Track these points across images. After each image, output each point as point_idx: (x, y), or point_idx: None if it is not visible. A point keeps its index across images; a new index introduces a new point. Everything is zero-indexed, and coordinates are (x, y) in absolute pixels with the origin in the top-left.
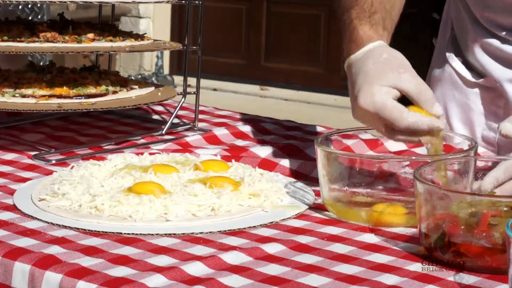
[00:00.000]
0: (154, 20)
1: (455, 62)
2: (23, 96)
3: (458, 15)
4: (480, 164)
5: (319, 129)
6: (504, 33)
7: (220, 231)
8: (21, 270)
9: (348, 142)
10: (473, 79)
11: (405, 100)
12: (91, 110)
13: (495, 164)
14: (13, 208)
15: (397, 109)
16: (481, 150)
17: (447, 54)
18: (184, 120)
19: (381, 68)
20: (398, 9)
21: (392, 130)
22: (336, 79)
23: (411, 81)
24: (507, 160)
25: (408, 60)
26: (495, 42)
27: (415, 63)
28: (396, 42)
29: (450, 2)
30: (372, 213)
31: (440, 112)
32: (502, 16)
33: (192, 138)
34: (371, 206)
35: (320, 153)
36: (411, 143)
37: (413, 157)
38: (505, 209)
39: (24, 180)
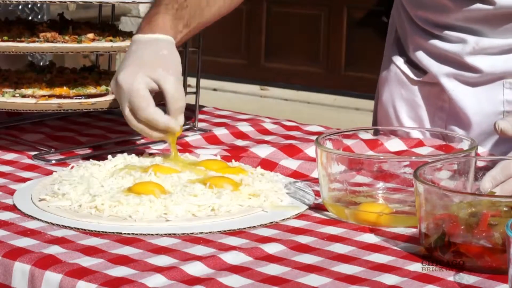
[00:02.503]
0: None
1: (399, 61)
2: (23, 96)
3: (399, 17)
4: (480, 164)
5: (319, 129)
6: (437, 30)
7: (220, 231)
8: (21, 270)
9: (348, 142)
10: (415, 77)
11: None
12: (91, 110)
13: (494, 163)
14: (13, 208)
15: (146, 99)
16: (481, 150)
17: (392, 54)
18: (184, 120)
19: (155, 61)
20: (218, 8)
21: (134, 116)
22: (336, 79)
23: (173, 85)
24: (504, 160)
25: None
26: (430, 39)
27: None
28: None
29: (394, 5)
30: (354, 212)
31: (181, 123)
32: (434, 14)
33: (192, 138)
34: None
35: (320, 153)
36: (143, 136)
37: (413, 157)
38: (505, 209)
39: (24, 180)
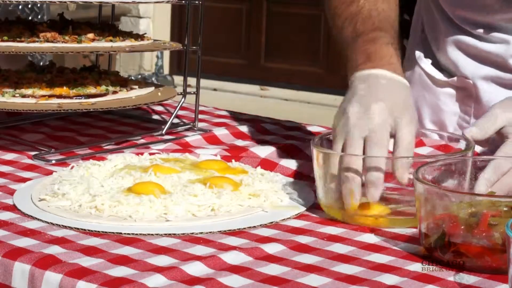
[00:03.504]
0: (154, 20)
1: (424, 63)
2: (23, 96)
3: (430, 15)
4: (481, 164)
5: (319, 129)
6: (478, 31)
7: (220, 231)
8: (21, 270)
9: None
10: (444, 78)
11: None
12: (91, 110)
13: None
14: (13, 208)
15: (387, 140)
16: (480, 149)
17: (417, 55)
18: (184, 120)
19: (399, 105)
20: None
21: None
22: (336, 79)
23: (411, 136)
24: (494, 160)
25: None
26: (469, 40)
27: None
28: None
29: (421, 2)
30: (351, 215)
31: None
32: (476, 14)
33: (192, 138)
34: (368, 208)
35: (316, 154)
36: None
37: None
38: (505, 209)
39: (24, 180)
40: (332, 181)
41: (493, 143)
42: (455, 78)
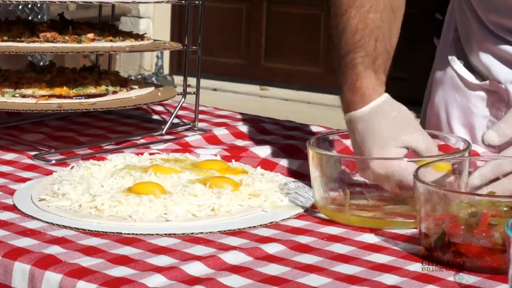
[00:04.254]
0: (154, 20)
1: (457, 64)
2: (23, 96)
3: (463, 17)
4: (480, 164)
5: (319, 129)
6: (510, 36)
7: (220, 231)
8: (21, 270)
9: (347, 142)
10: (476, 81)
11: None
12: (91, 110)
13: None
14: (13, 208)
15: (410, 170)
16: (481, 150)
17: (449, 57)
18: (184, 120)
19: (391, 129)
20: (395, 44)
21: (403, 187)
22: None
23: (421, 140)
24: (494, 159)
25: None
26: (501, 45)
27: (417, 64)
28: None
29: (454, 3)
30: (347, 216)
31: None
32: (509, 20)
33: (192, 138)
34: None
35: (312, 155)
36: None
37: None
38: (505, 209)
39: (24, 180)
40: (328, 183)
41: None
42: (487, 82)
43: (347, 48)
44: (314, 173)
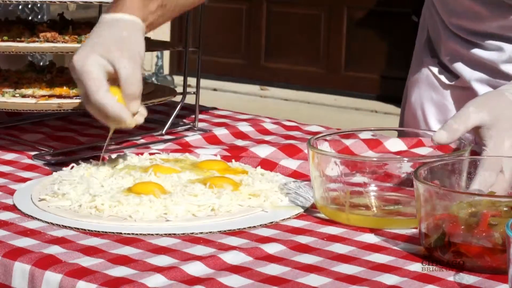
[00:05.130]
0: None
1: (431, 64)
2: (23, 96)
3: (431, 19)
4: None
5: (319, 129)
6: (472, 38)
7: (220, 231)
8: (21, 270)
9: (347, 142)
10: (447, 81)
11: None
12: None
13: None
14: (13, 208)
15: (97, 82)
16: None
17: (424, 56)
18: (184, 120)
19: (111, 43)
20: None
21: (88, 99)
22: (336, 79)
23: (128, 68)
24: (486, 159)
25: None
26: (464, 46)
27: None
28: (395, 42)
29: (425, 6)
30: (347, 215)
31: (133, 110)
32: (469, 22)
33: (192, 138)
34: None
35: (312, 155)
36: (101, 120)
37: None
38: (505, 209)
39: (24, 180)
40: (328, 183)
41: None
42: (458, 80)
43: None
44: (314, 173)
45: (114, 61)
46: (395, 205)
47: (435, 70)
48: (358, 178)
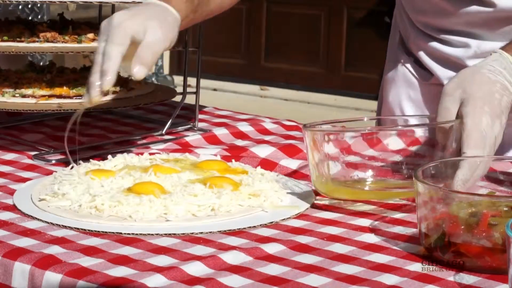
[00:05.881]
0: None
1: (407, 62)
2: (23, 96)
3: (401, 18)
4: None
5: None
6: (438, 34)
7: (220, 231)
8: (21, 270)
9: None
10: (423, 79)
11: None
12: (91, 110)
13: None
14: (13, 208)
15: (122, 37)
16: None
17: (399, 55)
18: (184, 120)
19: (156, 16)
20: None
21: (98, 52)
22: (336, 79)
23: (157, 36)
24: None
25: None
26: (432, 43)
27: None
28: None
29: (396, 6)
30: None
31: (137, 75)
32: (434, 19)
33: (192, 138)
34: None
35: (308, 137)
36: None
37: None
38: (505, 209)
39: (24, 180)
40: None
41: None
42: (433, 78)
43: None
44: (311, 155)
45: (149, 27)
46: (393, 178)
47: (412, 67)
48: (356, 156)
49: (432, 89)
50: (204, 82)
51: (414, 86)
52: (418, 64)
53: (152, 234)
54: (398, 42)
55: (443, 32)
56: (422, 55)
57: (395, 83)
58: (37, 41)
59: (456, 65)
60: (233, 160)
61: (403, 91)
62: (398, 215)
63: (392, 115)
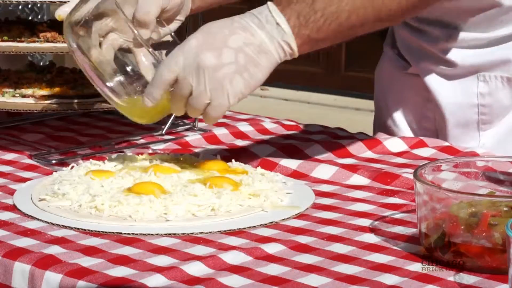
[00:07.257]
0: None
1: (390, 53)
2: (23, 96)
3: None
4: (480, 164)
5: (319, 129)
6: (415, 24)
7: (220, 231)
8: (21, 270)
9: (344, 142)
10: (403, 70)
11: None
12: (91, 110)
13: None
14: (13, 208)
15: (151, 5)
16: (480, 150)
17: (385, 46)
18: (184, 120)
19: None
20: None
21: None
22: (336, 79)
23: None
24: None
25: None
26: (410, 33)
27: None
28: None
29: None
30: None
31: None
32: None
33: (192, 138)
34: None
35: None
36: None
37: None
38: (505, 209)
39: (24, 180)
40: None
41: None
42: (412, 68)
43: None
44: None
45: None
46: None
47: (394, 58)
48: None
49: (412, 80)
50: None
51: (396, 77)
52: (400, 55)
53: (152, 234)
54: (389, 32)
55: (419, 21)
56: (402, 45)
57: (381, 75)
58: (37, 41)
59: (430, 55)
60: (233, 160)
61: (387, 83)
62: (398, 215)
63: (379, 110)
